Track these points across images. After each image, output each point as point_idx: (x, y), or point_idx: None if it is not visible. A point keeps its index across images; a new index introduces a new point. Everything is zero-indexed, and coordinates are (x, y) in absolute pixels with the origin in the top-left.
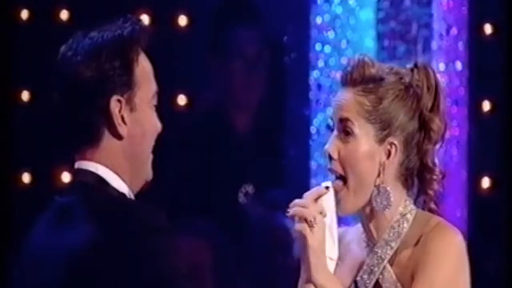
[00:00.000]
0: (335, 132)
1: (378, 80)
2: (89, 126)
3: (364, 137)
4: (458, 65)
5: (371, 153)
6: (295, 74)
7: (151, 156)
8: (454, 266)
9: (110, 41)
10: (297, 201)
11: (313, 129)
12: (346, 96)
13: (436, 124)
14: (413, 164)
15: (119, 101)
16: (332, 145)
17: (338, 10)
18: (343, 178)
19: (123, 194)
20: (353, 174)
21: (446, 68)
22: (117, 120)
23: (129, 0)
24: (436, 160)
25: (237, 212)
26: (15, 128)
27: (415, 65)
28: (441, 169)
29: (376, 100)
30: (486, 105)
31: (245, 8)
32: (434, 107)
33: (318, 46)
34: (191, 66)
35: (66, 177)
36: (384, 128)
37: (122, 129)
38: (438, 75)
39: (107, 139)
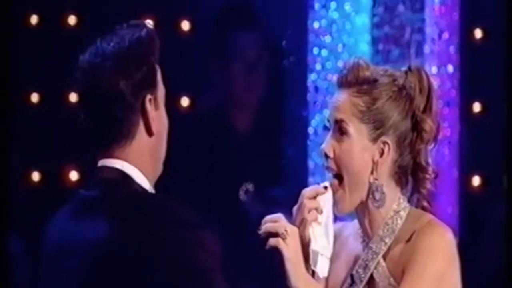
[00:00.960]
0: (331, 132)
1: (372, 81)
2: (125, 126)
3: (358, 136)
4: (450, 68)
5: (364, 151)
6: (293, 77)
7: None
8: (444, 262)
9: (135, 44)
10: (267, 217)
11: (310, 130)
12: (341, 98)
13: (429, 124)
14: (406, 162)
15: (150, 100)
16: (328, 144)
17: (335, 15)
18: (338, 176)
19: (146, 190)
20: (348, 171)
21: (438, 71)
22: (151, 118)
23: (134, 6)
24: (429, 160)
25: (238, 210)
26: (25, 129)
27: (409, 68)
28: (434, 168)
29: (370, 100)
30: (477, 107)
31: (245, 14)
32: (427, 109)
33: (315, 50)
34: (193, 69)
35: (74, 175)
36: (378, 127)
37: (154, 126)
38: (431, 78)
39: (139, 138)
